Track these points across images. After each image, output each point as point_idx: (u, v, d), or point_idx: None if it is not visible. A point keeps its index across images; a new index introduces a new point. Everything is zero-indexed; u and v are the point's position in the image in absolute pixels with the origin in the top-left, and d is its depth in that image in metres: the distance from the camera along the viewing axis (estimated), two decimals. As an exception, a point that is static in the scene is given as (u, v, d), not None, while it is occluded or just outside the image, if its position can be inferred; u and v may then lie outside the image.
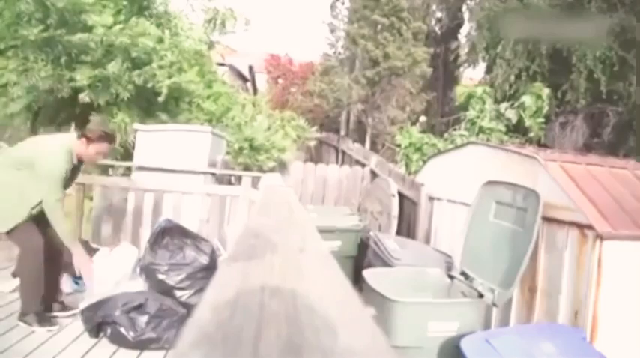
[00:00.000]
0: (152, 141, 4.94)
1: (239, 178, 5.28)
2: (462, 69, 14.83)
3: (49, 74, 5.53)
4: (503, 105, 8.84)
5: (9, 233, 3.06)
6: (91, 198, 5.03)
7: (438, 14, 15.45)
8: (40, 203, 3.03)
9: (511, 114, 8.63)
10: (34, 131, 7.53)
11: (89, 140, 3.16)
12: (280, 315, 0.43)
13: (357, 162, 9.95)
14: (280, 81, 18.03)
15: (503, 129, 8.50)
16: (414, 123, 10.36)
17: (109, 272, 3.49)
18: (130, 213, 4.66)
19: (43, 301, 3.17)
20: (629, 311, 2.86)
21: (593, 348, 2.62)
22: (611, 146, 9.26)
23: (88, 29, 5.58)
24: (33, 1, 5.42)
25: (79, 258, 3.13)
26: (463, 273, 3.45)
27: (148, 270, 3.57)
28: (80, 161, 3.28)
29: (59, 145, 3.15)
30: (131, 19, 5.92)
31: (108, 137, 3.27)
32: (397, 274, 3.50)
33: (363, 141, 12.49)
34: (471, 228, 3.63)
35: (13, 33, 5.52)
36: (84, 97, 5.64)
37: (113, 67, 5.60)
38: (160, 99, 5.89)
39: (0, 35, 5.59)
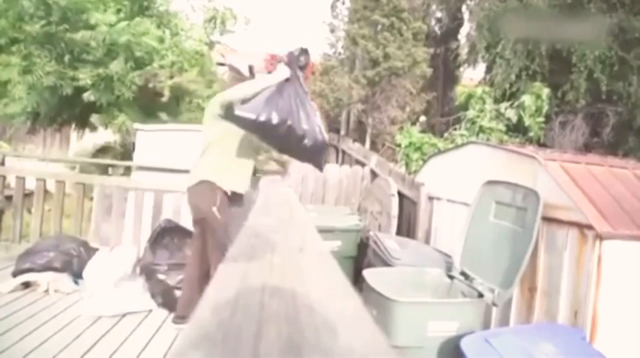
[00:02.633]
0: (152, 141, 4.94)
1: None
2: (462, 69, 14.80)
3: (52, 69, 5.53)
4: (503, 105, 8.84)
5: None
6: (91, 198, 5.04)
7: (438, 14, 15.44)
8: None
9: (511, 114, 8.63)
10: (33, 131, 7.53)
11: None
12: (280, 315, 0.43)
13: (357, 161, 9.93)
14: (280, 81, 17.97)
15: (503, 128, 8.50)
16: (414, 123, 10.35)
17: (109, 272, 3.49)
18: (130, 213, 4.66)
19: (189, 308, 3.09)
20: (629, 311, 2.86)
21: (593, 348, 2.62)
22: (611, 146, 9.26)
23: (90, 27, 5.58)
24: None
25: None
26: (463, 273, 3.45)
27: (147, 270, 3.58)
28: None
29: None
30: (133, 18, 5.93)
31: None
32: (397, 274, 3.49)
33: (363, 141, 12.48)
34: (471, 227, 3.62)
35: (17, 28, 5.52)
36: (88, 96, 5.64)
37: (116, 67, 5.60)
38: (164, 99, 5.89)
39: (3, 30, 5.60)
